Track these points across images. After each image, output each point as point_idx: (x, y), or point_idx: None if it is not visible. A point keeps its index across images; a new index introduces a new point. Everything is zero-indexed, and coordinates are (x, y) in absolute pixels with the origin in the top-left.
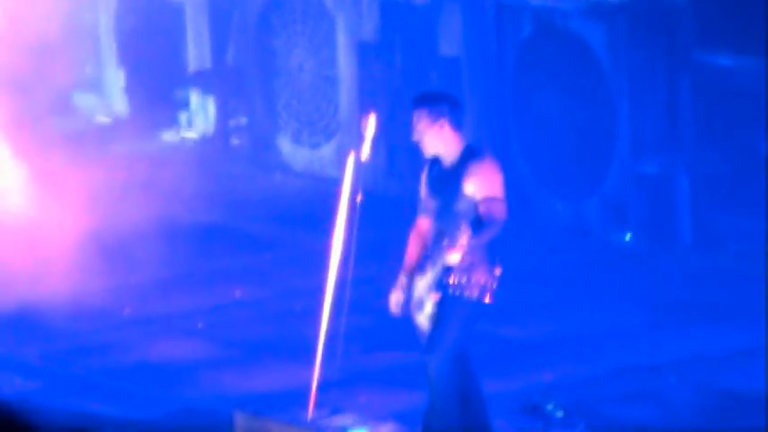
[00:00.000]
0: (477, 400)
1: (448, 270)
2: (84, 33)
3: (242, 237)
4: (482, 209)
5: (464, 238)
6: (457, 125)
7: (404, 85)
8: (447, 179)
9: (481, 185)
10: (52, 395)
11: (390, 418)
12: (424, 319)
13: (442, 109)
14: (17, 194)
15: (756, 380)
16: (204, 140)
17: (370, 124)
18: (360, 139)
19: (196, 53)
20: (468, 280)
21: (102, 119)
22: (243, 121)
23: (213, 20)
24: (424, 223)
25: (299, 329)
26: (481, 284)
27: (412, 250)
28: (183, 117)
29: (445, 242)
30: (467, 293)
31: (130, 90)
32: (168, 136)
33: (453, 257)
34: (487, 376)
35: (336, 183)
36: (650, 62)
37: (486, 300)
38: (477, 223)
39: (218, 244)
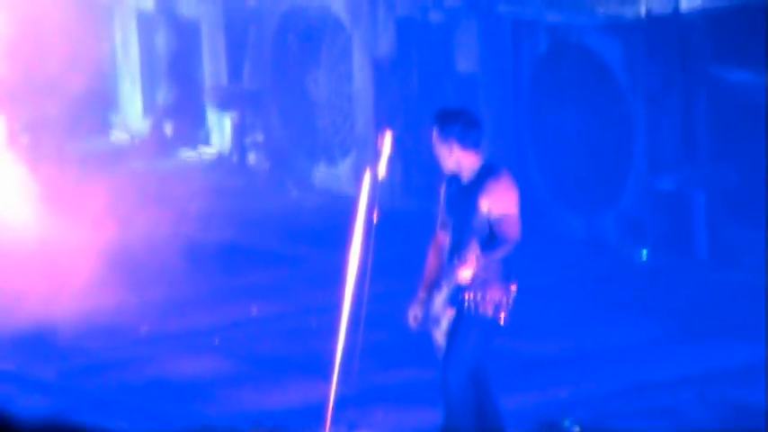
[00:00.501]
0: (493, 417)
1: (462, 287)
2: (102, 52)
3: (258, 253)
4: (495, 227)
5: (473, 255)
6: (470, 145)
7: (420, 101)
8: (463, 196)
9: (496, 203)
10: (69, 413)
11: None
12: (440, 335)
13: (452, 130)
14: (32, 212)
15: None
16: (221, 158)
17: (387, 141)
18: (376, 155)
19: (212, 71)
20: (483, 297)
21: (120, 136)
22: (259, 138)
23: (229, 37)
24: (442, 239)
25: (316, 346)
26: (496, 302)
27: (431, 266)
28: (200, 134)
29: (456, 259)
30: (481, 311)
31: (148, 108)
32: (185, 153)
33: (464, 274)
34: (504, 392)
35: (353, 199)
36: (666, 78)
37: (501, 317)
38: (491, 240)
39: (235, 261)
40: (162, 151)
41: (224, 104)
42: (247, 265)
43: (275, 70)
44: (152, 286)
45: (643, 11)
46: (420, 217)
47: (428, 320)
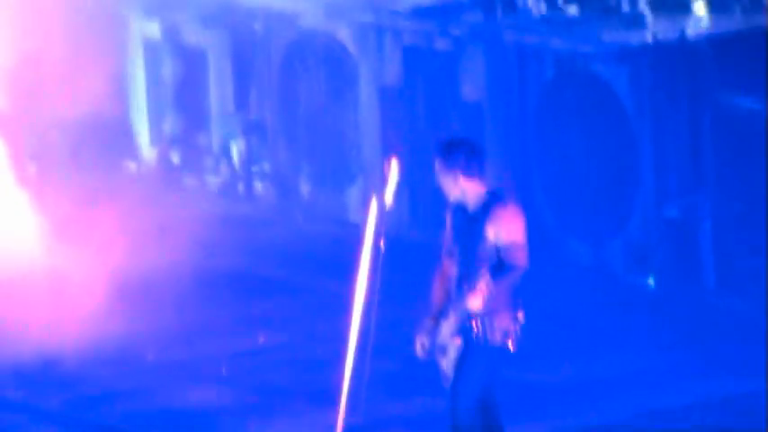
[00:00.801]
0: None
1: (470, 315)
2: (108, 80)
3: (265, 282)
4: (503, 255)
5: (483, 283)
6: (474, 173)
7: (426, 129)
8: (470, 224)
9: (503, 231)
10: None
11: None
12: (448, 363)
13: (456, 159)
14: (38, 240)
15: None
16: (228, 186)
17: (393, 169)
18: (383, 183)
19: (219, 99)
20: (491, 325)
21: (127, 165)
22: (266, 166)
23: (236, 65)
24: (449, 267)
25: (324, 375)
26: (504, 330)
27: (437, 294)
28: (207, 163)
29: (466, 287)
30: (489, 339)
31: (154, 136)
32: (192, 182)
33: (473, 303)
34: (512, 422)
35: (359, 227)
36: (673, 105)
37: (509, 345)
38: (499, 269)
39: (242, 289)
40: (169, 180)
41: (231, 133)
42: (254, 293)
43: (282, 98)
44: (159, 315)
45: (649, 37)
46: (427, 245)
47: (435, 349)
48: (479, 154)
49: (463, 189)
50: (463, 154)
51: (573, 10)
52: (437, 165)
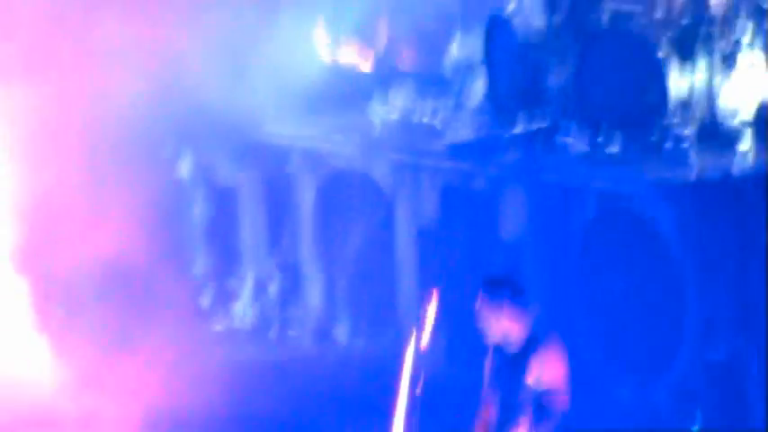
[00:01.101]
0: None
1: None
2: (140, 218)
3: (298, 428)
4: (543, 398)
5: (523, 429)
6: (518, 313)
7: (464, 269)
8: (510, 367)
9: (544, 375)
10: None
11: None
12: None
13: (502, 297)
14: (62, 387)
15: None
16: (258, 329)
17: (431, 310)
18: (420, 325)
19: (251, 239)
20: None
21: (155, 306)
22: (299, 309)
23: (268, 203)
24: (488, 410)
25: None
26: None
27: None
28: (237, 305)
29: None
30: None
31: (183, 276)
32: (222, 325)
33: None
34: None
35: (396, 372)
36: (718, 243)
37: None
38: (539, 413)
39: None
40: (198, 322)
41: (263, 274)
42: None
43: (316, 238)
44: None
45: (693, 174)
46: (465, 386)
47: None
48: (523, 292)
49: (505, 328)
50: (509, 291)
51: (614, 147)
52: (480, 301)
